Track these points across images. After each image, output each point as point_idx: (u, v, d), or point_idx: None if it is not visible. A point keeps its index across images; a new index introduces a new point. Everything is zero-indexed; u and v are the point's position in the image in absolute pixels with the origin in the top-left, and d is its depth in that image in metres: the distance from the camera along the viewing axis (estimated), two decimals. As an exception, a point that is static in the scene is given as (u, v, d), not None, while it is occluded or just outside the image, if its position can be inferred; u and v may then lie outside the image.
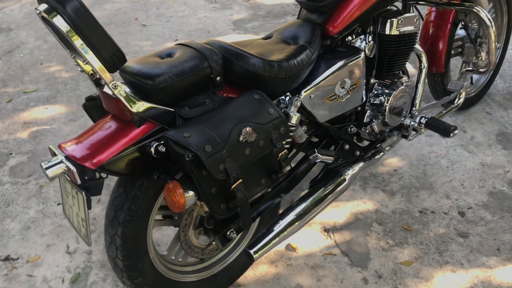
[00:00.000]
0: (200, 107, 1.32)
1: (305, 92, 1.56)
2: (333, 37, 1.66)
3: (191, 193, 1.23)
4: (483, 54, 2.27)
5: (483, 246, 1.86)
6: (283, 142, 1.35)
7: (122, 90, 1.19)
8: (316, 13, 1.66)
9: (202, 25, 3.64)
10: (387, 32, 1.76)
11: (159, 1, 4.15)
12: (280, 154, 1.34)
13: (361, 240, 1.91)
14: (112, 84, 1.17)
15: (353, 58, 1.65)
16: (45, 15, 1.08)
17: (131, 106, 1.21)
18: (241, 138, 1.25)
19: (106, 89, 1.24)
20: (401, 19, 1.76)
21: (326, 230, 1.95)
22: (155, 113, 1.26)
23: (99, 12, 3.96)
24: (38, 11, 1.10)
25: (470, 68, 2.16)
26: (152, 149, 1.24)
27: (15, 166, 2.33)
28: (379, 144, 1.86)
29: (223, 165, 1.21)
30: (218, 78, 1.35)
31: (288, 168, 1.37)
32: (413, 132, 1.91)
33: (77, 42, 1.09)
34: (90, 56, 1.12)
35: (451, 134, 1.82)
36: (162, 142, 1.24)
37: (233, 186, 1.23)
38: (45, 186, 2.18)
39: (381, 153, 1.86)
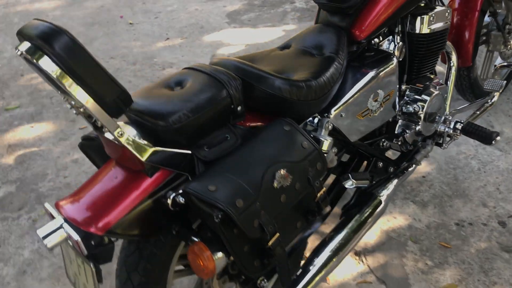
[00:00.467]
0: (221, 145, 1.10)
1: (334, 110, 1.35)
2: (360, 42, 1.44)
3: (220, 254, 1.02)
4: None
5: (532, 261, 1.69)
6: (321, 179, 1.14)
7: (129, 138, 0.97)
8: (340, 16, 1.44)
9: (194, 20, 3.38)
10: (417, 31, 1.55)
11: (144, -5, 3.87)
12: (318, 194, 1.13)
13: (396, 262, 1.72)
14: (118, 132, 0.95)
15: (386, 65, 1.44)
16: (29, 57, 0.85)
17: (141, 155, 0.99)
18: (275, 184, 1.04)
19: (108, 135, 1.02)
20: (432, 15, 1.54)
21: (357, 253, 1.76)
22: (169, 159, 1.04)
23: (80, 12, 3.67)
24: (19, 52, 0.87)
25: (505, 63, 1.95)
26: (169, 201, 1.03)
27: (2, 198, 2.09)
28: (412, 156, 1.66)
29: (257, 220, 1.00)
30: (239, 108, 1.13)
31: (328, 209, 1.16)
32: (448, 139, 1.72)
33: (71, 87, 0.87)
34: (89, 102, 0.89)
35: (493, 142, 1.63)
36: (180, 192, 1.03)
37: (270, 242, 1.02)
38: (38, 220, 1.96)
39: (414, 166, 1.67)
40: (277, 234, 1.03)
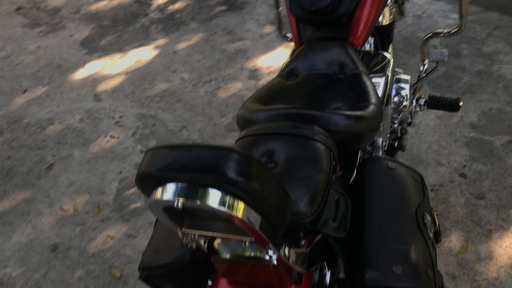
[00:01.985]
0: (340, 212, 0.94)
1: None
2: (358, 50, 1.39)
3: None
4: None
5: (503, 199, 1.92)
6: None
7: (291, 252, 0.77)
8: (331, 27, 1.35)
9: (45, 60, 2.85)
10: (384, 22, 1.55)
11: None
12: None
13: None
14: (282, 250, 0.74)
15: (388, 65, 1.42)
16: (214, 206, 0.60)
17: (300, 265, 0.80)
18: (430, 234, 0.93)
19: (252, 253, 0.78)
20: (391, 5, 1.56)
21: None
22: (313, 254, 0.86)
23: None
24: (176, 202, 0.60)
25: (439, 31, 2.03)
26: None
27: None
28: (401, 144, 1.70)
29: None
30: (334, 163, 0.98)
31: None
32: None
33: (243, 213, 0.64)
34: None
35: (460, 107, 1.75)
36: None
37: None
38: None
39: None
40: None
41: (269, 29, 2.99)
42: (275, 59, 2.75)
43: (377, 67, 1.40)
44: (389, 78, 1.41)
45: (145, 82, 2.63)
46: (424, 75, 1.99)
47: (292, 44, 1.59)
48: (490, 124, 2.27)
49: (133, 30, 3.04)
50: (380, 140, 1.25)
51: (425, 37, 1.90)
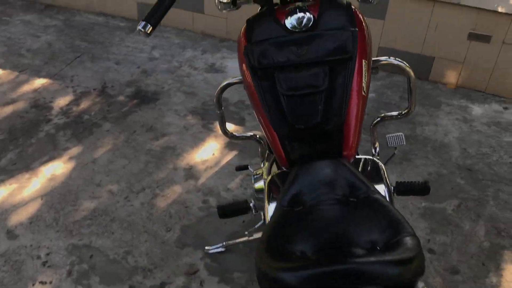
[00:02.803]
0: None
1: None
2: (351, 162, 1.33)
3: None
4: None
5: (475, 269, 1.93)
6: None
7: None
8: (322, 141, 1.28)
9: None
10: None
11: None
12: None
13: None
14: None
15: (385, 174, 1.41)
16: None
17: None
18: None
19: None
20: None
21: None
22: None
23: None
24: None
25: (391, 114, 1.99)
26: None
27: None
28: None
29: None
30: None
31: None
32: None
33: None
34: None
35: (430, 189, 1.74)
36: None
37: None
38: None
39: None
40: None
41: (192, 119, 2.83)
42: (208, 152, 2.58)
43: (375, 177, 1.34)
44: (389, 187, 1.34)
45: (68, 204, 2.28)
46: (384, 163, 1.98)
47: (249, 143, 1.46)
48: (435, 190, 2.32)
49: (37, 141, 2.67)
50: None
51: (374, 122, 1.89)
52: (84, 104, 2.96)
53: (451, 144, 2.64)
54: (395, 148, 1.90)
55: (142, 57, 3.43)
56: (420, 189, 1.72)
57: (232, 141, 2.55)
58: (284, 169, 1.38)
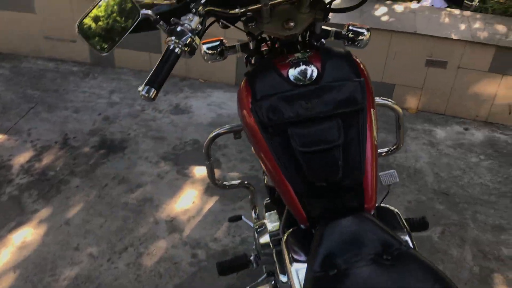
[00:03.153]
0: None
1: None
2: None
3: None
4: None
5: (472, 297, 1.97)
6: None
7: None
8: (343, 195, 1.26)
9: None
10: None
11: None
12: None
13: None
14: None
15: (402, 220, 1.42)
16: None
17: None
18: None
19: None
20: None
21: None
22: None
23: None
24: None
25: (381, 151, 2.00)
26: None
27: None
28: None
29: None
30: None
31: None
32: None
33: None
34: None
35: (428, 224, 1.76)
36: None
37: None
38: None
39: None
40: None
41: (165, 166, 2.74)
42: (187, 200, 2.50)
43: (396, 226, 1.33)
44: (410, 235, 1.34)
45: (45, 274, 2.11)
46: (380, 202, 1.99)
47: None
48: (418, 218, 2.37)
49: (0, 206, 2.47)
50: None
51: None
52: (47, 160, 2.78)
53: (424, 169, 2.72)
54: (389, 185, 1.92)
55: (102, 103, 3.30)
56: (419, 225, 1.75)
57: (223, 190, 2.49)
58: (302, 226, 1.34)
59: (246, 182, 1.87)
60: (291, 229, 1.39)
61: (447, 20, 3.10)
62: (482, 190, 2.57)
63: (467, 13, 3.15)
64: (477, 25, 3.05)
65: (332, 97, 1.26)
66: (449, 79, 3.09)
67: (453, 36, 2.94)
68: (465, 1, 1.27)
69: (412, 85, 3.18)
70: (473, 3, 1.27)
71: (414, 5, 3.26)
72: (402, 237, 1.29)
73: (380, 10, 3.16)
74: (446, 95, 3.15)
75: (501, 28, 2.99)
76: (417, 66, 3.10)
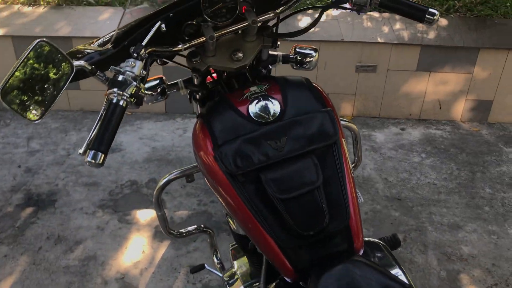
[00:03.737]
0: None
1: None
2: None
3: None
4: None
5: None
6: None
7: None
8: (330, 242, 1.18)
9: None
10: None
11: None
12: None
13: None
14: None
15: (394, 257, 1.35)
16: None
17: None
18: None
19: None
20: None
21: None
22: None
23: None
24: None
25: None
26: None
27: None
28: None
29: None
30: None
31: None
32: None
33: None
34: None
35: (400, 242, 1.72)
36: None
37: None
38: None
39: None
40: None
41: (104, 215, 2.49)
42: (136, 251, 2.28)
43: (385, 261, 1.25)
44: (402, 270, 1.26)
45: None
46: None
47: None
48: (377, 229, 2.35)
49: None
50: None
51: None
52: (-37, 230, 2.43)
53: (372, 176, 2.71)
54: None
55: (20, 153, 2.96)
56: (393, 244, 1.69)
57: (178, 240, 2.29)
58: (287, 280, 1.21)
59: (202, 226, 1.71)
60: (274, 283, 1.26)
61: (369, 24, 3.13)
62: (431, 190, 2.60)
63: (386, 14, 3.21)
64: (397, 25, 3.12)
65: (302, 133, 1.15)
66: (380, 82, 3.12)
67: (379, 40, 2.97)
68: (427, 16, 1.22)
69: (345, 92, 3.18)
70: (435, 17, 1.22)
71: (335, 12, 3.26)
72: (394, 272, 1.21)
73: (304, 21, 3.13)
74: (378, 98, 3.18)
75: (421, 26, 3.07)
76: (348, 73, 3.10)
